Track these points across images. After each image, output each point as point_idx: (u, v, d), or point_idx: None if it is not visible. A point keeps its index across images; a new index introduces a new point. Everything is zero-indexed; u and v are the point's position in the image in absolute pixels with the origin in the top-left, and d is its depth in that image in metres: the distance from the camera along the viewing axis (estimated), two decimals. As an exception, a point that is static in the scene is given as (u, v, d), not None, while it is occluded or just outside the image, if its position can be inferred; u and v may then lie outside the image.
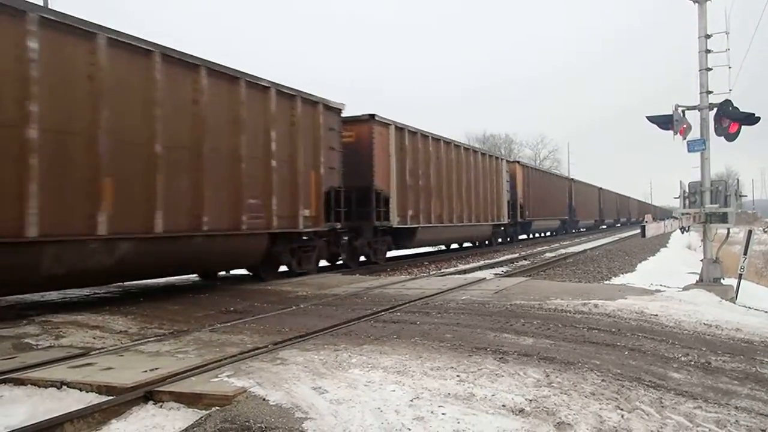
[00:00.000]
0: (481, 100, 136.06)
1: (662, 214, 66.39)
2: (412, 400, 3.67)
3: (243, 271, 12.42)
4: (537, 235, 34.41)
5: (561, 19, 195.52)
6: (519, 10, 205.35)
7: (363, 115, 14.97)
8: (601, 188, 51.84)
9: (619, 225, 62.66)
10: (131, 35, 8.11)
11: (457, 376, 4.18)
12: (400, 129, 16.38)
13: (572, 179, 42.86)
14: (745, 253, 11.11)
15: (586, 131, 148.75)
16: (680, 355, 4.95)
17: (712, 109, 10.49)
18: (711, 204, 10.71)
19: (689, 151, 10.64)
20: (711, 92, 10.57)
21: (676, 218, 10.99)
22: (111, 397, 3.83)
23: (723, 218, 10.82)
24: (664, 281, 11.01)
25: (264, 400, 3.70)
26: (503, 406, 3.59)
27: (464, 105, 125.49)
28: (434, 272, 14.81)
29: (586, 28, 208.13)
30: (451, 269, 15.71)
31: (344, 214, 12.96)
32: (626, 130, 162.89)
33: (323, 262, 13.76)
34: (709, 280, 10.50)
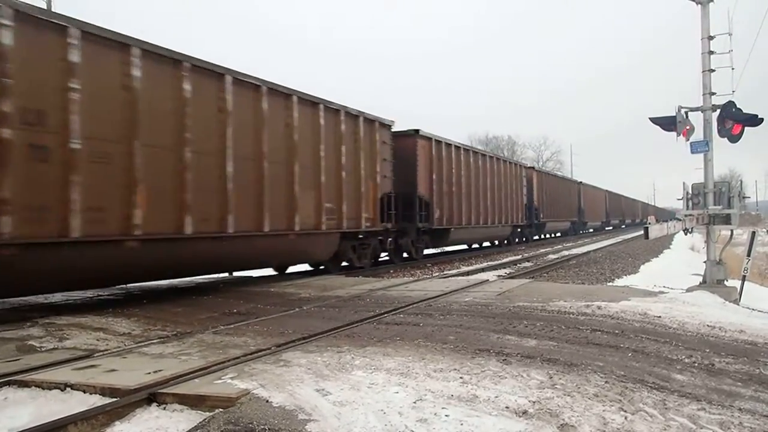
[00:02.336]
0: (486, 105, 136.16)
1: (665, 215, 66.36)
2: (415, 402, 3.67)
3: (247, 273, 12.46)
4: (550, 235, 35.90)
5: (569, 34, 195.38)
6: (527, 24, 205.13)
7: (409, 130, 16.98)
8: (607, 191, 52.97)
9: (624, 226, 63.06)
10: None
11: (460, 377, 4.18)
12: (438, 142, 18.32)
13: (581, 183, 43.84)
14: (749, 255, 11.08)
15: (590, 133, 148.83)
16: (684, 357, 4.94)
17: (715, 111, 10.48)
18: (714, 205, 10.69)
19: (692, 152, 10.64)
20: (714, 93, 10.57)
21: (680, 219, 10.98)
22: (115, 399, 3.84)
23: (726, 220, 10.80)
24: (668, 283, 10.97)
25: (267, 401, 3.71)
26: (506, 407, 3.59)
27: (468, 107, 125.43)
28: (437, 274, 14.79)
29: (594, 44, 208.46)
30: (454, 271, 15.69)
31: (394, 217, 15.23)
32: (630, 133, 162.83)
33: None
34: (712, 282, 10.48)
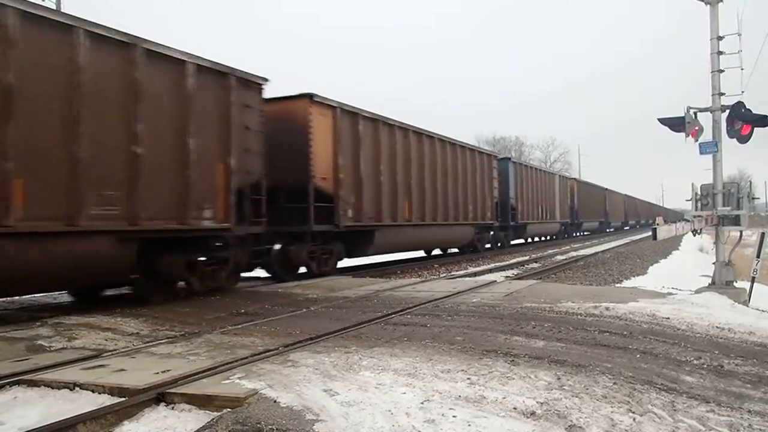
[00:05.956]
0: (492, 106, 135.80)
1: (674, 216, 65.87)
2: (422, 403, 3.67)
3: (252, 273, 12.49)
4: (535, 239, 32.13)
5: (575, 31, 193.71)
6: (535, 20, 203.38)
7: (297, 95, 12.32)
8: (607, 189, 49.74)
9: (627, 228, 61.63)
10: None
11: (468, 378, 4.18)
12: (352, 113, 13.64)
13: (574, 179, 41.13)
14: (758, 256, 11.00)
15: (597, 134, 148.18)
16: (692, 359, 4.92)
17: (725, 111, 10.42)
18: (723, 206, 10.62)
19: (701, 153, 10.58)
20: (723, 94, 10.50)
21: (688, 221, 10.92)
22: (123, 399, 3.86)
23: (735, 221, 10.73)
24: (676, 284, 10.91)
25: (275, 402, 3.72)
26: (514, 408, 3.58)
27: (475, 109, 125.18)
28: (444, 275, 14.80)
29: (599, 38, 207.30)
30: (461, 272, 15.68)
31: (270, 215, 10.59)
32: (638, 133, 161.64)
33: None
34: (721, 283, 10.41)
